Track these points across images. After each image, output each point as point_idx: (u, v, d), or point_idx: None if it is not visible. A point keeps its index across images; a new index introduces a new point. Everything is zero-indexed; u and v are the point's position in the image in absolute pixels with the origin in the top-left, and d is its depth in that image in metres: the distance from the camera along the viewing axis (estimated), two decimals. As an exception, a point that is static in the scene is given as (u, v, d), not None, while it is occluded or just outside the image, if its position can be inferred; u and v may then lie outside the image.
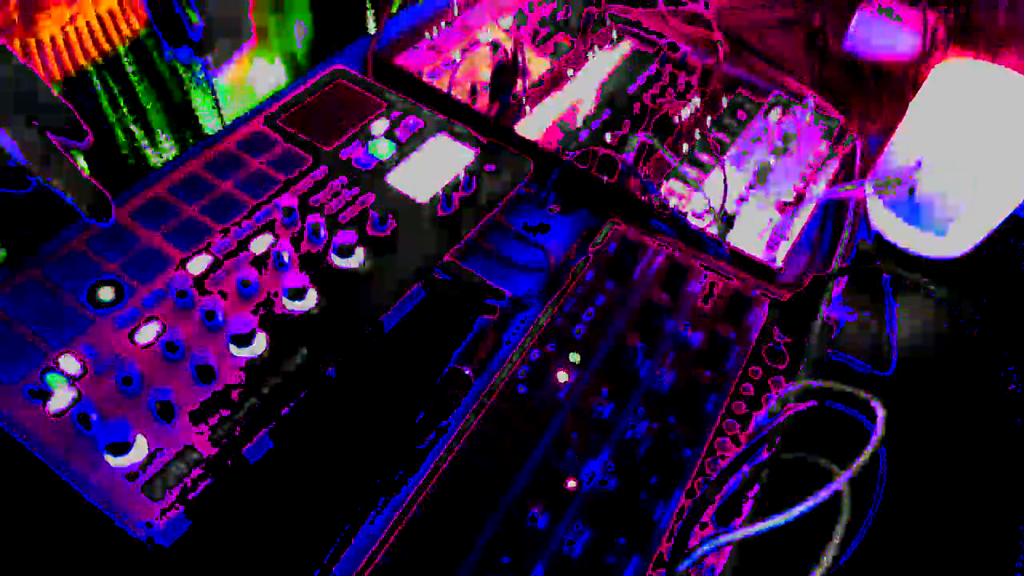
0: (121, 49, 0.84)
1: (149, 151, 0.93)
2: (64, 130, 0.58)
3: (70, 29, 0.77)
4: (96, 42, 0.81)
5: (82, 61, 0.81)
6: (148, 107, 0.91)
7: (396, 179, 0.74)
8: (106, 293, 0.62)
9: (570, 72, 0.92)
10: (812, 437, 0.61)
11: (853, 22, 0.96)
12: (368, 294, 0.65)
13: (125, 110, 0.89)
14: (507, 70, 0.83)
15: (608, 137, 0.85)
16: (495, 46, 0.90)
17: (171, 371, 0.58)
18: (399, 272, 0.67)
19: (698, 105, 0.89)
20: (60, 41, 0.77)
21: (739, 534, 0.53)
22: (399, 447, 0.60)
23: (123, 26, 0.83)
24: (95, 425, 0.54)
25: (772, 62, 0.99)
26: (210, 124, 1.01)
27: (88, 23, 0.79)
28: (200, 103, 0.97)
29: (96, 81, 0.84)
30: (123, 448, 0.52)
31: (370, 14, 1.00)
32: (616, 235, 0.72)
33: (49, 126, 0.57)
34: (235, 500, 0.57)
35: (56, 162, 0.57)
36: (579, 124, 0.87)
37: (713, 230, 0.77)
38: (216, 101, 0.99)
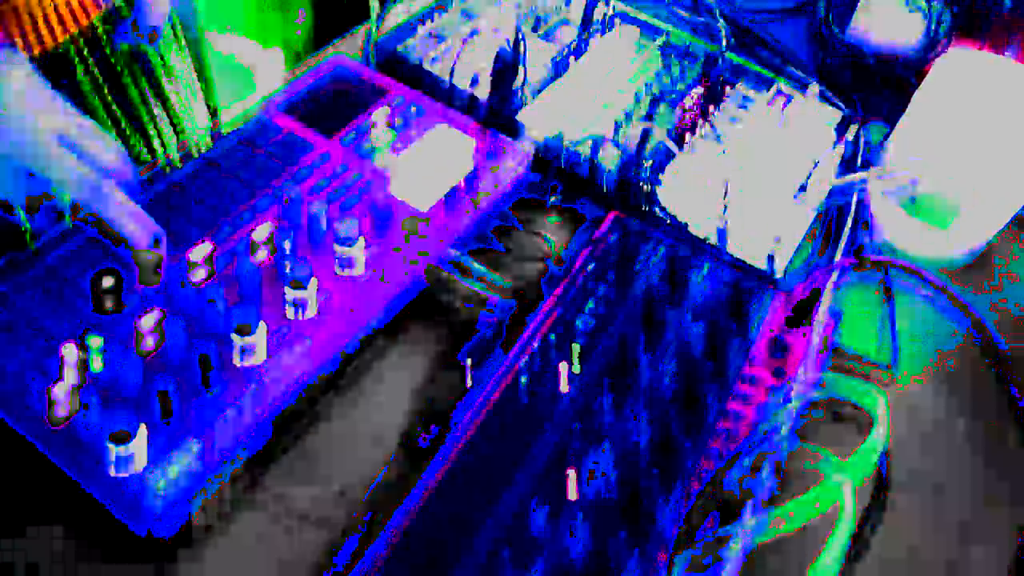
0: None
1: (150, 145, 0.93)
2: (114, 170, 0.59)
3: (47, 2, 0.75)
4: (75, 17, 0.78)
5: (62, 38, 0.78)
6: (139, 102, 0.90)
7: (396, 173, 0.73)
8: (107, 285, 0.61)
9: (572, 61, 0.92)
10: (814, 433, 0.61)
11: (857, 12, 0.95)
12: (369, 290, 0.65)
13: (108, 101, 0.87)
14: (508, 60, 0.82)
15: (610, 127, 0.84)
16: (496, 35, 0.90)
17: (172, 365, 0.58)
18: (400, 268, 0.66)
19: (700, 96, 0.88)
20: (38, 13, 0.75)
21: (740, 531, 0.54)
22: (400, 445, 0.60)
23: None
24: (97, 418, 0.54)
25: (776, 52, 0.98)
26: (209, 116, 1.01)
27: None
28: (199, 93, 0.97)
29: (78, 63, 0.82)
30: (125, 442, 0.52)
31: (372, 2, 0.99)
32: (617, 227, 0.72)
33: (102, 165, 0.59)
34: (235, 497, 0.57)
35: (109, 201, 0.59)
36: (580, 118, 0.86)
37: (714, 226, 0.76)
38: (216, 90, 0.98)
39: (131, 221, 0.60)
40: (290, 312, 0.62)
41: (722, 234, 0.73)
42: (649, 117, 0.84)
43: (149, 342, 0.58)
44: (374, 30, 0.89)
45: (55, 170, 0.59)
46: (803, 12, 1.05)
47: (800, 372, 0.63)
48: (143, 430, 0.54)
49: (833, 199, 0.79)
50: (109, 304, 0.60)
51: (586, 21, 0.97)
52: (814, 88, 0.90)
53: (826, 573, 0.54)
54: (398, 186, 0.72)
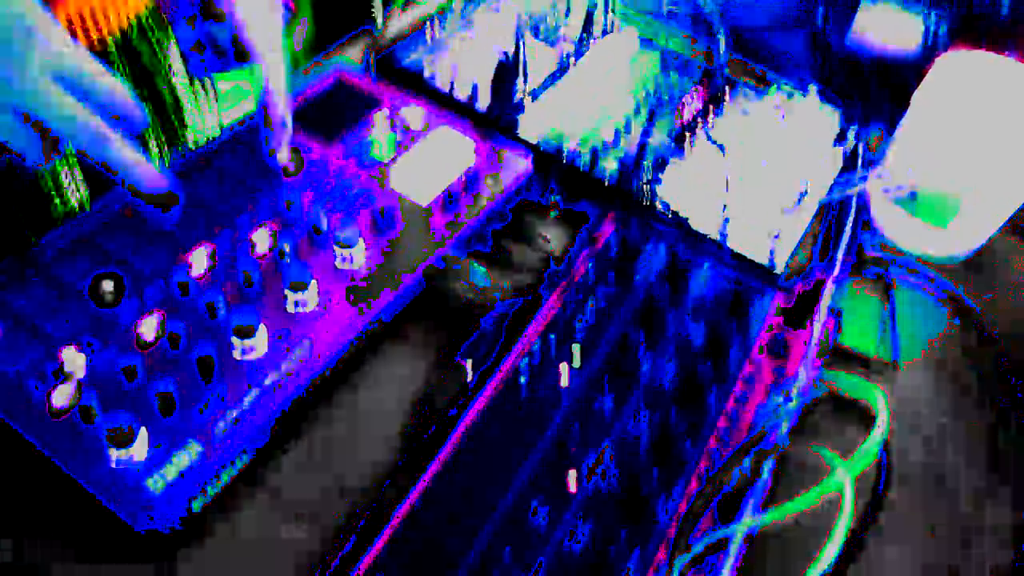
0: (109, 44, 0.83)
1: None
2: (122, 116, 0.55)
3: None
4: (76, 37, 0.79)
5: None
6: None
7: (397, 176, 0.74)
8: (107, 287, 0.62)
9: (572, 67, 0.92)
10: (814, 430, 0.61)
11: (855, 18, 0.95)
12: (369, 290, 0.65)
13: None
14: (508, 66, 0.83)
15: (610, 130, 0.85)
16: (497, 42, 0.90)
17: (173, 365, 0.58)
18: (400, 269, 0.67)
19: (699, 100, 0.89)
20: None
21: (741, 528, 0.53)
22: (400, 443, 0.60)
23: (102, 23, 0.81)
24: (97, 418, 0.54)
25: (775, 57, 0.98)
26: (207, 120, 1.01)
27: (68, 17, 0.77)
28: (197, 99, 0.97)
29: None
30: (125, 441, 0.53)
31: (372, 9, 0.99)
32: (617, 229, 0.72)
33: (108, 111, 0.54)
34: (235, 495, 0.57)
35: (112, 151, 0.54)
36: (581, 119, 0.86)
37: (715, 226, 0.76)
38: (215, 96, 0.98)
39: (137, 173, 0.56)
40: (291, 308, 0.62)
41: (723, 232, 0.73)
42: (649, 119, 0.85)
43: (149, 340, 0.59)
44: (374, 36, 0.90)
45: (48, 111, 0.52)
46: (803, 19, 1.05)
47: (800, 369, 0.63)
48: (143, 428, 0.54)
49: (834, 192, 0.79)
50: (109, 302, 0.61)
51: (587, 24, 0.98)
52: (814, 90, 0.91)
53: (825, 569, 0.54)
54: (398, 182, 0.72)
